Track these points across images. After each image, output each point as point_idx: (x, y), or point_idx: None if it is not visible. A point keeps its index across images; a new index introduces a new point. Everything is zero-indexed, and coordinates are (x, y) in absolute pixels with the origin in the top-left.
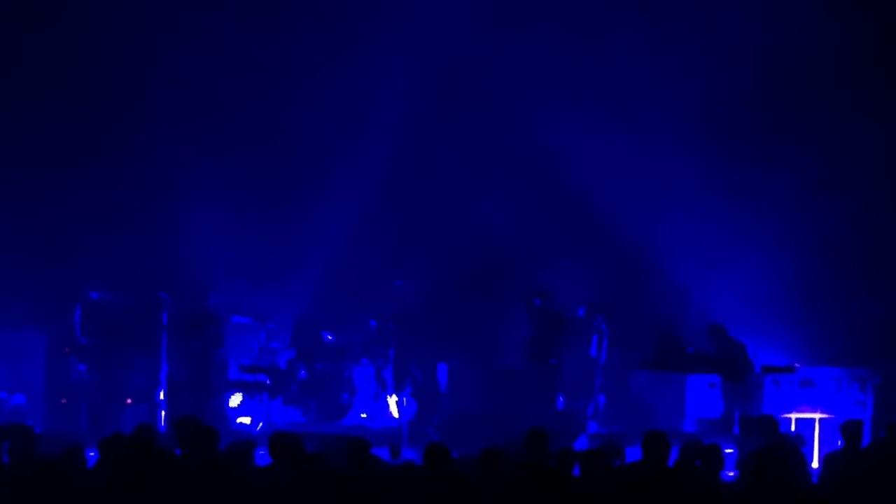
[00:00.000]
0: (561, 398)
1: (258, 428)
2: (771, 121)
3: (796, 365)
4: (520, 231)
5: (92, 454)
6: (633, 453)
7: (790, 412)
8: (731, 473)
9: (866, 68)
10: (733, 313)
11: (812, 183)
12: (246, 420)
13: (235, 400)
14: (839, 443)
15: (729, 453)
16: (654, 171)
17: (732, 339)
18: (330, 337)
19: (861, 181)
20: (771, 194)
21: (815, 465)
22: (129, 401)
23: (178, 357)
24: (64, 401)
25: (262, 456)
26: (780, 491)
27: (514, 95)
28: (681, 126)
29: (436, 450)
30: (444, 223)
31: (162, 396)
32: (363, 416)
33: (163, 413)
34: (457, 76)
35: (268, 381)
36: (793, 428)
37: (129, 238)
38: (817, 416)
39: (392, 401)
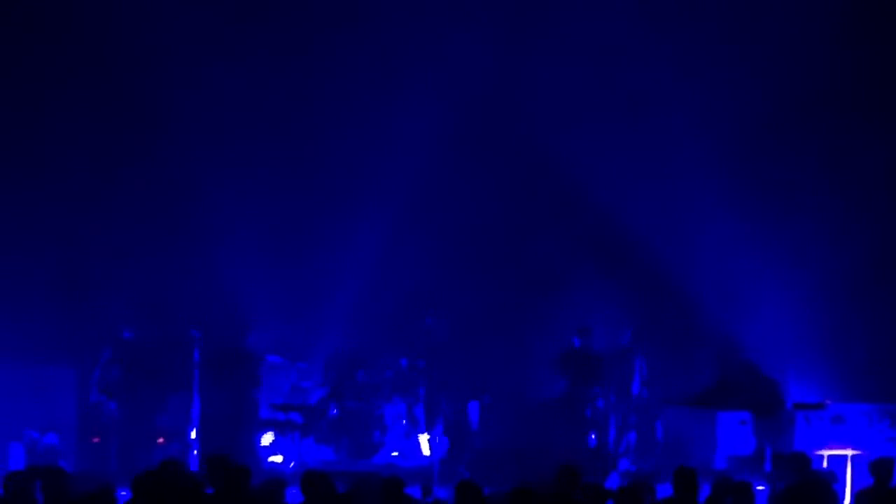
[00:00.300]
0: (593, 434)
1: (290, 466)
2: (801, 149)
3: (827, 401)
4: (551, 261)
5: (123, 493)
6: (664, 490)
7: (821, 449)
8: None
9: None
10: (764, 349)
11: (843, 215)
12: (278, 459)
13: (267, 439)
14: (870, 480)
15: (760, 490)
16: (684, 201)
17: (765, 375)
18: (362, 375)
19: (890, 213)
20: (803, 225)
21: (846, 502)
22: (160, 440)
23: (212, 395)
24: (97, 439)
25: (293, 494)
26: None
27: (542, 119)
28: (711, 154)
29: (467, 487)
30: (475, 255)
31: (194, 435)
32: (394, 454)
33: (195, 451)
34: (484, 101)
35: (300, 420)
36: (824, 465)
37: (161, 274)
38: (849, 452)
39: (423, 438)
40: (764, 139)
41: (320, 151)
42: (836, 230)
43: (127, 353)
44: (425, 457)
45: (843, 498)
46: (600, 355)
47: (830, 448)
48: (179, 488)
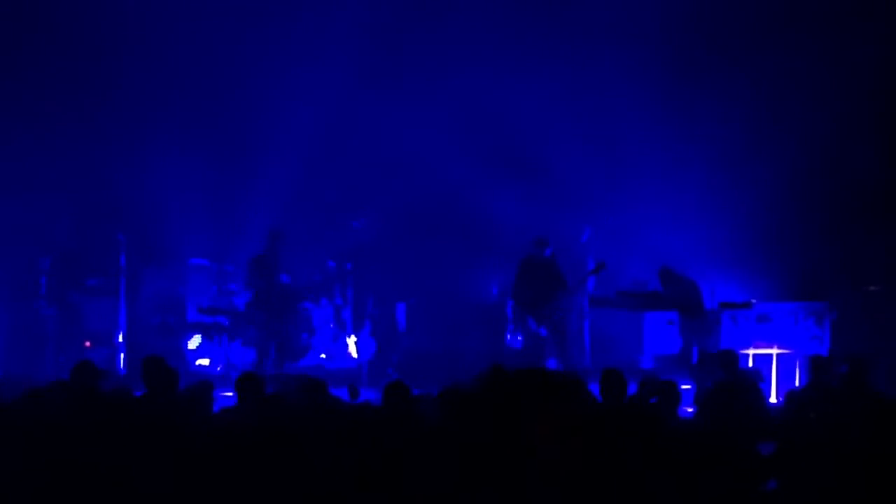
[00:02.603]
0: (520, 335)
1: (217, 369)
2: (726, 53)
3: (753, 301)
4: (473, 172)
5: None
6: (591, 389)
7: (747, 348)
8: (690, 409)
9: None
10: (690, 252)
11: (768, 119)
12: (205, 362)
13: (194, 342)
14: (797, 377)
15: (686, 389)
16: (607, 108)
17: (682, 277)
18: (286, 278)
19: (818, 116)
20: (727, 131)
21: (772, 399)
22: (87, 343)
23: (137, 299)
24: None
25: (220, 397)
26: (738, 425)
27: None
28: (634, 58)
29: (395, 388)
30: (401, 162)
31: (121, 339)
32: (322, 356)
33: (121, 355)
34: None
35: (226, 323)
36: (750, 363)
37: (87, 179)
38: (774, 351)
39: (351, 341)
40: (689, 42)
41: (247, 52)
42: (764, 135)
43: (59, 259)
44: (353, 359)
45: (769, 396)
46: (558, 263)
47: (756, 347)
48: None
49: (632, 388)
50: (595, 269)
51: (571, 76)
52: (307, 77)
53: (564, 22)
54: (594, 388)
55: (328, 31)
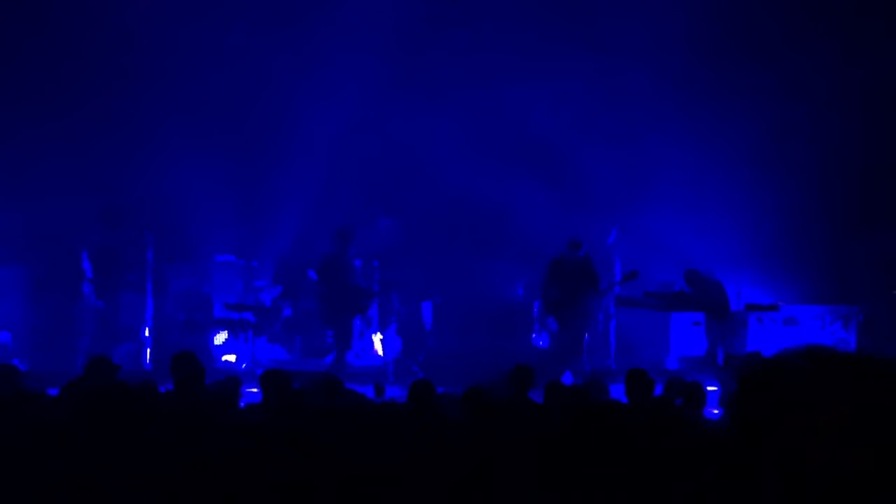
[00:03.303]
0: (546, 335)
1: (243, 366)
2: (753, 54)
3: (780, 303)
4: (499, 173)
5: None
6: (617, 390)
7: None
8: (716, 411)
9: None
10: (717, 254)
11: (795, 119)
12: (231, 358)
13: (220, 338)
14: None
15: (712, 391)
16: (632, 110)
17: (708, 278)
18: (313, 275)
19: (846, 116)
20: (754, 131)
21: None
22: None
23: (164, 295)
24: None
25: (247, 393)
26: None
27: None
28: (660, 59)
29: (421, 387)
30: (428, 162)
31: (147, 334)
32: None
33: (148, 351)
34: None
35: (252, 319)
36: None
37: (115, 177)
38: None
39: (377, 338)
40: (712, 46)
41: (274, 50)
42: (791, 136)
43: (97, 254)
44: (379, 357)
45: None
46: (591, 263)
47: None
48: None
49: (657, 391)
50: (626, 278)
51: (597, 78)
52: (334, 75)
53: (588, 23)
54: (618, 389)
55: (355, 30)
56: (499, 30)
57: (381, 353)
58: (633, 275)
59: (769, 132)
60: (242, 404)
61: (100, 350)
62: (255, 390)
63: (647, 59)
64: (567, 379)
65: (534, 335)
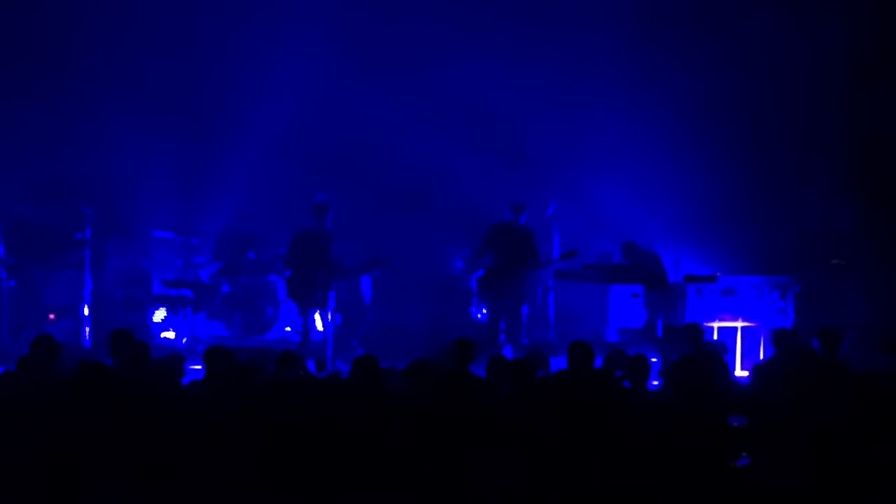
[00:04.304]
0: (485, 308)
1: (182, 342)
2: (692, 26)
3: (718, 274)
4: (439, 146)
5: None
6: (558, 363)
7: (712, 321)
8: (655, 382)
9: None
10: (656, 226)
11: (733, 92)
12: (170, 335)
13: (159, 315)
14: (764, 350)
15: (652, 362)
16: (573, 83)
17: (647, 250)
18: (252, 255)
19: (784, 90)
20: (692, 104)
21: (737, 372)
22: (51, 316)
23: (103, 272)
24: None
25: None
26: (705, 399)
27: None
28: (601, 30)
29: (364, 361)
30: (368, 136)
31: (86, 311)
32: (287, 329)
33: (86, 328)
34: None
35: (191, 296)
36: (715, 336)
37: (52, 152)
38: (739, 324)
39: (316, 315)
40: (653, 23)
41: (218, 26)
42: (729, 109)
43: (18, 229)
44: (318, 332)
45: (734, 368)
46: (532, 233)
47: (721, 320)
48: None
49: (597, 363)
50: (564, 256)
51: (537, 50)
52: (275, 51)
53: None
54: (559, 362)
55: (302, 7)
56: (442, 3)
57: (320, 328)
58: (572, 254)
59: (708, 104)
60: (186, 381)
61: (28, 328)
62: (197, 367)
63: (589, 31)
64: (507, 352)
65: (472, 308)
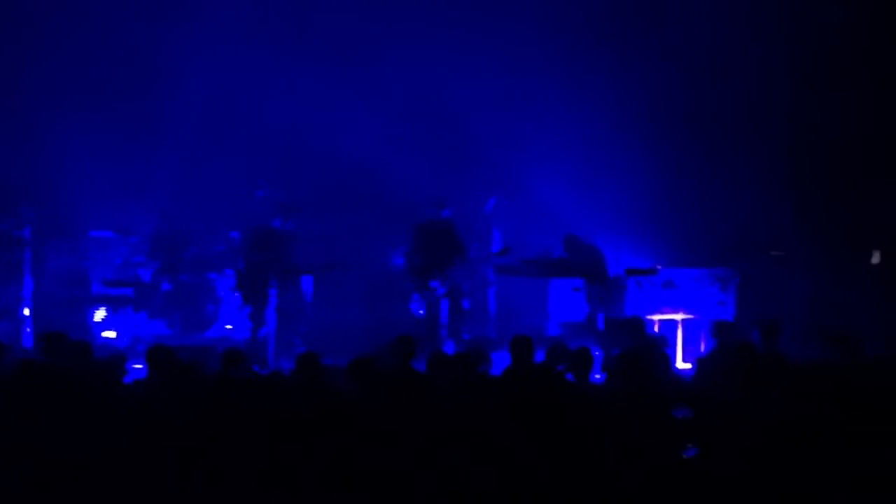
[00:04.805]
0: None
1: (124, 342)
2: (629, 19)
3: (658, 267)
4: (380, 140)
5: None
6: (500, 358)
7: (653, 313)
8: (598, 376)
9: None
10: (596, 219)
11: (670, 83)
12: (111, 334)
13: (100, 314)
14: (704, 343)
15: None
16: (512, 76)
17: (587, 244)
18: (187, 253)
19: (719, 80)
20: (631, 96)
21: (678, 365)
22: None
23: (42, 272)
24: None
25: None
26: (648, 391)
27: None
28: (541, 24)
29: (307, 359)
30: (308, 132)
31: (27, 313)
32: (228, 327)
33: (28, 329)
34: None
35: (132, 295)
36: (656, 329)
37: None
38: (680, 316)
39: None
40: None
41: (148, 19)
42: (666, 100)
43: None
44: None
45: (675, 361)
46: (455, 226)
47: (662, 313)
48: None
49: (539, 357)
50: (500, 253)
51: (477, 47)
52: (212, 49)
53: None
54: (501, 357)
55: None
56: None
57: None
58: (506, 251)
59: (646, 95)
60: (128, 380)
61: None
62: (139, 366)
63: (532, 24)
64: (449, 348)
65: (413, 304)
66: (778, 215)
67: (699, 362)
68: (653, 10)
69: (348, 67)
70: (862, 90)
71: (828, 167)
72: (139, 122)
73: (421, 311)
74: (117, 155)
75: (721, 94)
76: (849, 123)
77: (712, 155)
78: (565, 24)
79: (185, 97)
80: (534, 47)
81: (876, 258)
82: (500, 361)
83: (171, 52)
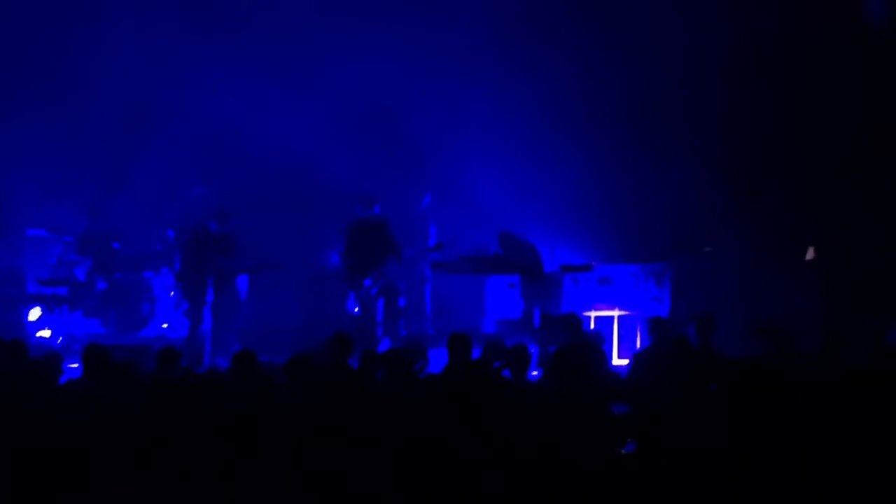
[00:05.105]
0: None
1: (58, 341)
2: (565, 12)
3: (593, 263)
4: (314, 139)
5: None
6: (436, 355)
7: (589, 310)
8: (535, 372)
9: None
10: (531, 216)
11: (600, 79)
12: (46, 333)
13: (34, 313)
14: (640, 338)
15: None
16: (447, 73)
17: (523, 240)
18: (117, 246)
19: (652, 75)
20: (563, 93)
21: (615, 361)
22: None
23: None
24: None
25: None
26: (586, 387)
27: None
28: (477, 21)
29: (244, 356)
30: (243, 130)
31: None
32: (164, 325)
33: None
34: None
35: (66, 294)
36: (592, 325)
37: None
38: (616, 312)
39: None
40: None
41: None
42: (597, 97)
43: None
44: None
45: (611, 357)
46: (387, 223)
47: (598, 309)
48: None
49: (476, 354)
50: (434, 248)
51: (412, 44)
52: (141, 42)
53: None
54: (437, 354)
55: None
56: None
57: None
58: (439, 246)
59: (582, 94)
60: (63, 380)
61: None
62: (74, 365)
63: (465, 17)
64: (385, 345)
65: (349, 302)
66: (710, 211)
67: (635, 358)
68: (588, 7)
69: (281, 66)
70: (794, 85)
71: (762, 163)
72: (68, 119)
73: (356, 310)
74: (49, 153)
75: (653, 91)
76: (781, 119)
77: (646, 151)
78: (497, 21)
79: (115, 95)
80: (466, 44)
81: (810, 254)
82: (438, 359)
83: (102, 49)
